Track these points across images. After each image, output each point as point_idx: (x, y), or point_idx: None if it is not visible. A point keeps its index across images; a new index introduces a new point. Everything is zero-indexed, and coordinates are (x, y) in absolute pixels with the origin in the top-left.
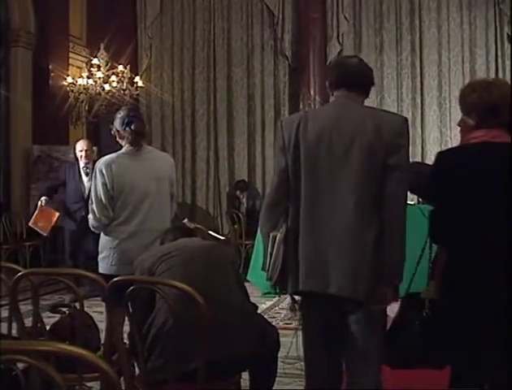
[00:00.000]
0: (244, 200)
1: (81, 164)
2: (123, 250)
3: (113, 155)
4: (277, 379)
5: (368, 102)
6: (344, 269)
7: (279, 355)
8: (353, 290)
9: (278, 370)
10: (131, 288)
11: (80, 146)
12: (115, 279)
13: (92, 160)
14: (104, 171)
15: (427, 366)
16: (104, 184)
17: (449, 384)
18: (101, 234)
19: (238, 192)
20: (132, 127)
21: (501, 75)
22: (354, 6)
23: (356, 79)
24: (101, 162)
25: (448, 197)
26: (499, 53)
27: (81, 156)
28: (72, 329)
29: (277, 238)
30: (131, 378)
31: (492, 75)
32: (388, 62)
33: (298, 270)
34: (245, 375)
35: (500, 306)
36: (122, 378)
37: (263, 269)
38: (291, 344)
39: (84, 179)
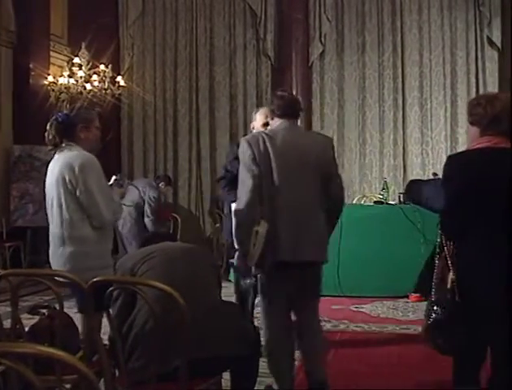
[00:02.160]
0: None
1: None
2: None
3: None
4: (259, 378)
5: (351, 103)
6: (313, 244)
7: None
8: (320, 256)
9: (260, 370)
10: (110, 288)
11: None
12: (95, 279)
13: None
14: None
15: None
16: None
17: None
18: None
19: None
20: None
21: (480, 76)
22: (337, 6)
23: (295, 110)
24: None
25: (458, 193)
26: (479, 55)
27: None
28: (52, 330)
29: (259, 231)
30: (111, 379)
31: (473, 76)
32: (369, 63)
33: (277, 251)
34: (226, 375)
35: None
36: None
37: (243, 255)
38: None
39: None
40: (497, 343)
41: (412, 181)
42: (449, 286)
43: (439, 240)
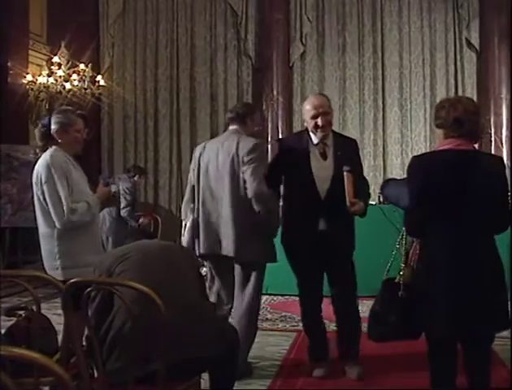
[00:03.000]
0: None
1: None
2: None
3: None
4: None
5: (332, 104)
6: (230, 240)
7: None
8: (231, 251)
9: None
10: (88, 289)
11: None
12: (72, 280)
13: None
14: None
15: (404, 338)
16: None
17: (427, 349)
18: None
19: None
20: None
21: (459, 78)
22: (317, 7)
23: (241, 117)
24: None
25: (419, 194)
26: (458, 56)
27: None
28: (28, 332)
29: (188, 224)
30: (89, 380)
31: (452, 77)
32: (350, 64)
33: (200, 242)
34: (205, 375)
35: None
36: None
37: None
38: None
39: None
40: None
41: (387, 180)
42: (397, 280)
43: (400, 238)
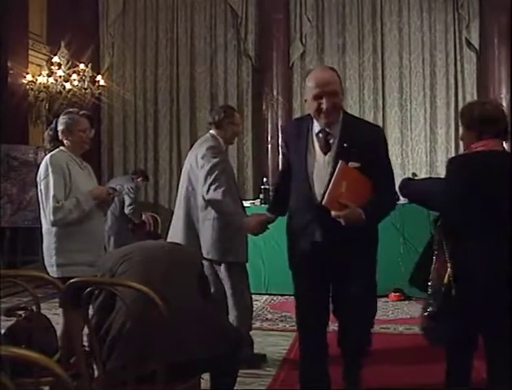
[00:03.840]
0: None
1: None
2: None
3: None
4: (239, 379)
5: None
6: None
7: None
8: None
9: (240, 371)
10: (88, 289)
11: None
12: (72, 280)
13: None
14: None
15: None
16: None
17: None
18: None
19: None
20: None
21: (459, 78)
22: (317, 7)
23: (217, 122)
24: None
25: (457, 192)
26: (458, 56)
27: None
28: (29, 332)
29: None
30: (89, 380)
31: (451, 77)
32: (350, 64)
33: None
34: (206, 375)
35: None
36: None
37: None
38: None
39: None
40: (491, 334)
41: (406, 179)
42: (445, 281)
43: (436, 237)
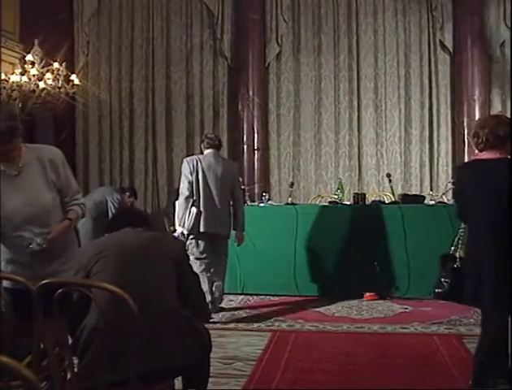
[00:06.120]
0: None
1: None
2: None
3: None
4: (214, 379)
5: (306, 105)
6: (222, 223)
7: (216, 356)
8: (224, 231)
9: (215, 371)
10: (60, 290)
11: None
12: (44, 281)
13: None
14: None
15: (456, 300)
16: None
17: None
18: None
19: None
20: None
21: (434, 79)
22: (293, 8)
23: (219, 144)
24: None
25: (465, 193)
26: (432, 58)
27: None
28: None
29: (192, 213)
30: (61, 383)
31: (426, 78)
32: (325, 65)
33: (200, 225)
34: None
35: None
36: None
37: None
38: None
39: None
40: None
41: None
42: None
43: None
